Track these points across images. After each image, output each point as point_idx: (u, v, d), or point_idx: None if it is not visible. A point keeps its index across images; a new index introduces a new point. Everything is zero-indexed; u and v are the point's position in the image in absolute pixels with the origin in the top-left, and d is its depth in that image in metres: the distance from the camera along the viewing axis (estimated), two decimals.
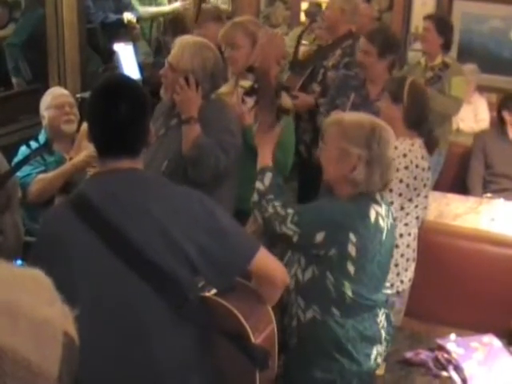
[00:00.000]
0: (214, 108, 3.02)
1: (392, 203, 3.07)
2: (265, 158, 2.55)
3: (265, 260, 2.03)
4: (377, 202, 2.39)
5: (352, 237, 2.30)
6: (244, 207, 3.11)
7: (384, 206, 2.42)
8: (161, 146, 2.94)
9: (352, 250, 2.31)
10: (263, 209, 2.43)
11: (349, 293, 2.35)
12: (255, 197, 2.47)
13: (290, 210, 2.38)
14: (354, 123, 2.39)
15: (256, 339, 2.00)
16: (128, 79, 2.25)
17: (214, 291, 2.07)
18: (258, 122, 2.58)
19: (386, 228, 2.39)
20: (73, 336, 0.75)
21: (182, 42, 3.04)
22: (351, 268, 2.33)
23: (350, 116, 2.46)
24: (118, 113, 1.94)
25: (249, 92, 2.72)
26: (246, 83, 3.45)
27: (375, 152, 2.34)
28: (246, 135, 3.11)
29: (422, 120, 3.24)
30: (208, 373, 2.02)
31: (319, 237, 2.31)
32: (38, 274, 0.78)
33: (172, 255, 1.89)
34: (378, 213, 2.37)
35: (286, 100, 2.71)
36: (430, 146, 3.30)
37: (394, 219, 2.60)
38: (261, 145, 2.56)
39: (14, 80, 5.51)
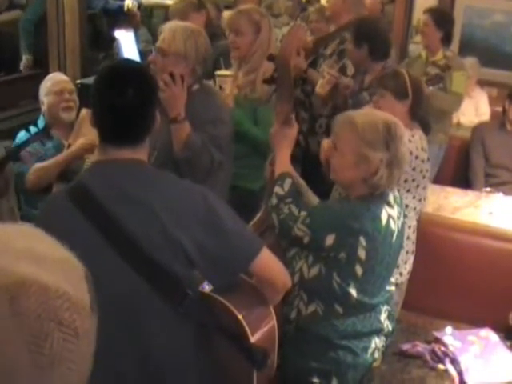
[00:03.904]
0: (201, 97, 2.95)
1: None
2: (283, 163, 2.53)
3: (267, 262, 1.98)
4: (389, 204, 2.36)
5: (362, 240, 2.28)
6: (236, 183, 3.17)
7: (396, 208, 2.40)
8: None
9: (362, 253, 2.29)
10: (280, 211, 2.41)
11: (353, 293, 2.34)
12: (273, 200, 2.44)
13: (304, 212, 2.36)
14: (369, 126, 2.33)
15: (255, 337, 1.98)
16: (136, 64, 2.20)
17: (211, 287, 2.04)
18: (275, 113, 2.55)
19: (396, 230, 2.37)
20: (87, 271, 0.80)
21: (171, 27, 2.99)
22: (359, 270, 2.32)
23: (361, 117, 2.39)
24: (124, 98, 1.89)
25: (268, 81, 2.69)
26: (224, 72, 3.48)
27: (393, 152, 2.31)
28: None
29: (422, 109, 3.25)
30: (206, 369, 2.00)
31: (329, 240, 2.30)
32: (28, 227, 0.81)
33: (170, 251, 1.86)
34: (390, 215, 2.34)
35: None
36: (425, 128, 3.31)
37: (405, 216, 2.58)
38: (278, 146, 2.54)
39: (24, 57, 5.48)
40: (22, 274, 0.67)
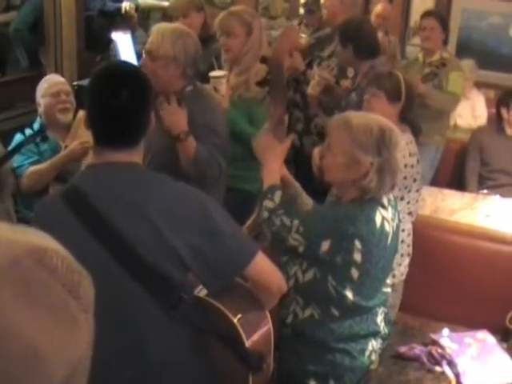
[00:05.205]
0: (195, 99, 2.94)
1: None
2: (272, 175, 2.49)
3: (261, 266, 1.97)
4: (383, 206, 2.35)
5: (357, 243, 2.26)
6: (234, 185, 3.21)
7: (390, 210, 2.38)
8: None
9: (357, 256, 2.28)
10: (272, 223, 2.38)
11: (349, 296, 2.33)
12: (265, 214, 2.41)
13: (296, 221, 2.33)
14: (363, 128, 2.30)
15: (250, 341, 1.97)
16: (131, 65, 2.18)
17: (205, 291, 2.02)
18: (268, 115, 2.55)
19: (391, 232, 2.36)
20: None
21: (159, 29, 2.97)
22: (355, 273, 2.31)
23: (357, 119, 2.37)
24: (119, 100, 1.87)
25: (261, 83, 2.68)
26: (218, 73, 3.49)
27: (385, 157, 2.28)
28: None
29: (412, 113, 3.27)
30: (201, 373, 1.99)
31: (325, 246, 2.28)
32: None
33: (165, 254, 1.84)
34: (384, 217, 2.33)
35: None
36: (415, 130, 3.30)
37: (400, 220, 2.57)
38: (265, 159, 2.51)
39: (21, 69, 5.48)
40: (34, 243, 0.73)
